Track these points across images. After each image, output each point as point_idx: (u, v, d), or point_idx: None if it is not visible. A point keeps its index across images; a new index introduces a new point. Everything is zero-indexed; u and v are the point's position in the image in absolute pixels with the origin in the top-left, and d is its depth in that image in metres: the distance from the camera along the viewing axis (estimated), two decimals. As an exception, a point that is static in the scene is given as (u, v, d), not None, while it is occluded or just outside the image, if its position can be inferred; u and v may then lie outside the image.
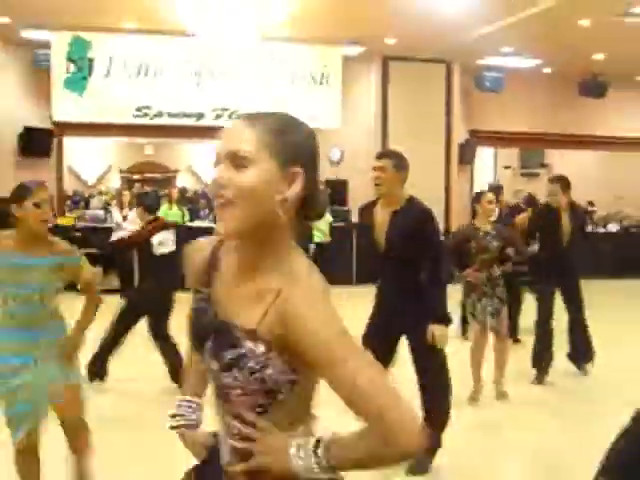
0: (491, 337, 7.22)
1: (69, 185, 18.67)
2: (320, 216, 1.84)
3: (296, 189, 1.68)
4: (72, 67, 14.42)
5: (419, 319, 5.06)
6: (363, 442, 1.57)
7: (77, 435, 4.39)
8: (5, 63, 15.15)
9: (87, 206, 17.89)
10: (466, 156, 17.79)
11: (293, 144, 1.70)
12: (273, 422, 1.69)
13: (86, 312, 4.41)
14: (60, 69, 14.39)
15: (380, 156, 5.35)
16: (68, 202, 17.57)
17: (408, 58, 16.37)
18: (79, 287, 4.38)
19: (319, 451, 1.61)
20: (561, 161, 19.67)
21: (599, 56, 16.17)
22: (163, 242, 7.21)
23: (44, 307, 4.17)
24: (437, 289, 5.14)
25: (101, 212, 15.40)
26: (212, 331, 1.74)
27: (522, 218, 8.97)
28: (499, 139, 18.76)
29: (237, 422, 1.73)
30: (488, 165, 20.79)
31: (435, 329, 5.00)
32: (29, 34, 14.26)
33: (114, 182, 21.60)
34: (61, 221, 14.36)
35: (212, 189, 1.68)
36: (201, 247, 1.90)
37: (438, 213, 15.10)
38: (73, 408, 4.31)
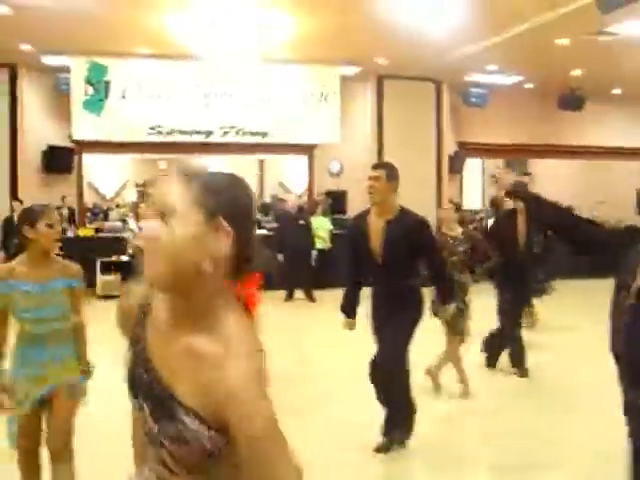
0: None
1: (89, 199, 19.09)
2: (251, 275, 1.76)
3: (224, 246, 1.64)
4: (90, 90, 15.03)
5: (401, 312, 5.55)
6: None
7: (57, 443, 4.30)
8: (29, 87, 15.81)
9: (106, 218, 18.24)
10: (455, 166, 18.37)
11: (225, 202, 1.65)
12: (202, 474, 1.66)
13: (82, 337, 4.40)
14: (79, 92, 14.99)
15: (376, 167, 5.72)
16: (88, 214, 17.96)
17: (401, 77, 17.01)
18: (73, 307, 4.35)
19: None
20: (543, 170, 20.21)
21: (576, 72, 16.64)
22: None
23: (59, 327, 4.25)
24: (443, 285, 6.01)
25: (119, 223, 15.80)
26: (151, 394, 1.69)
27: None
28: (485, 150, 19.28)
29: (165, 470, 1.71)
30: (477, 174, 21.47)
31: (443, 310, 6.09)
32: (50, 60, 14.91)
33: (130, 195, 21.43)
34: (82, 232, 15.09)
35: (141, 241, 1.65)
36: (135, 295, 1.83)
37: (430, 221, 16.18)
38: (63, 417, 4.28)
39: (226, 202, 1.66)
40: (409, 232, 5.49)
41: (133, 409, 1.81)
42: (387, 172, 5.56)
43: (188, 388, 1.62)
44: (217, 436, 1.60)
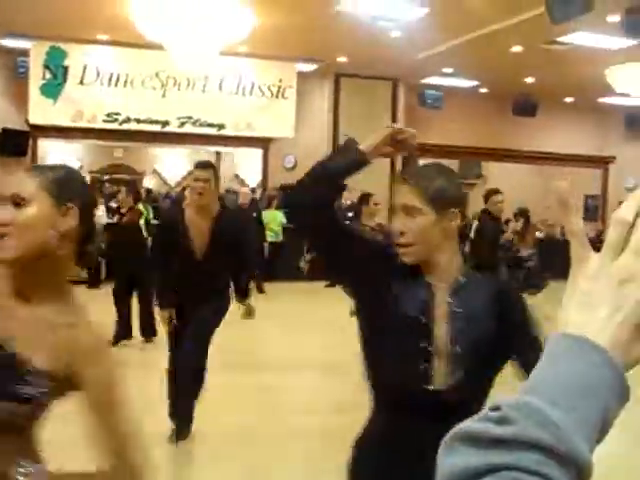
0: None
1: (42, 183, 18.84)
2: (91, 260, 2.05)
3: (70, 223, 1.86)
4: (48, 74, 15.05)
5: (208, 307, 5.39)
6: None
7: None
8: (-14, 69, 15.59)
9: (59, 202, 18.19)
10: (408, 166, 18.83)
11: (70, 189, 1.89)
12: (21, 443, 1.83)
13: None
14: (37, 76, 15.02)
15: (204, 167, 5.36)
16: (41, 199, 17.86)
17: (358, 75, 17.22)
18: None
19: None
20: (496, 172, 20.51)
21: (530, 79, 17.10)
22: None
23: None
24: (245, 276, 5.78)
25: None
26: None
27: None
28: (440, 151, 19.57)
29: None
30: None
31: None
32: (9, 42, 14.86)
33: (83, 182, 21.62)
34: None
35: None
36: None
37: (383, 218, 16.33)
38: None
39: (71, 189, 1.90)
40: (236, 230, 5.42)
41: None
42: (215, 172, 5.35)
43: (43, 352, 1.80)
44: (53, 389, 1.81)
